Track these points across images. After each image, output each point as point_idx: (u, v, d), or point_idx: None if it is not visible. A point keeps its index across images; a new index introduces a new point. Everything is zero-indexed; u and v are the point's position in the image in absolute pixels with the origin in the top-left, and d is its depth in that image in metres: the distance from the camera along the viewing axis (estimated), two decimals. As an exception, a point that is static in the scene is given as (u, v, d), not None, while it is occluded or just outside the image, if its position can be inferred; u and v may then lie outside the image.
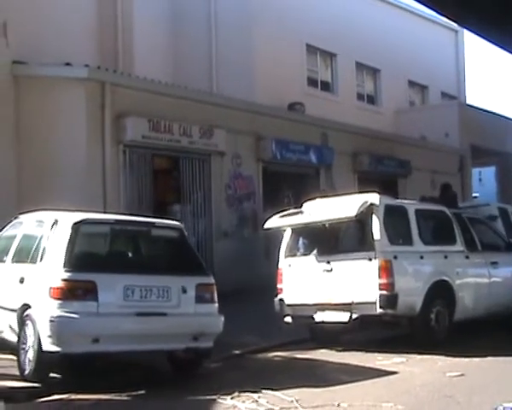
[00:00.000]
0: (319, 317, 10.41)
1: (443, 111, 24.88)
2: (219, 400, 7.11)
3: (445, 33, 28.27)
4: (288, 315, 10.84)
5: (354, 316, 9.92)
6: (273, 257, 14.20)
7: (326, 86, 23.42)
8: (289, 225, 11.08)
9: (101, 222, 8.58)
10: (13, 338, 8.45)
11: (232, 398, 7.13)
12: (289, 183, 18.69)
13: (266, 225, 11.40)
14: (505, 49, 22.72)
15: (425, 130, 23.49)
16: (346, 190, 13.92)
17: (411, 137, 22.95)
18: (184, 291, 8.19)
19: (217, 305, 8.50)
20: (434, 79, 27.14)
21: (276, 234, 11.82)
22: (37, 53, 14.41)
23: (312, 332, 11.00)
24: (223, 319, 8.44)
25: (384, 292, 9.70)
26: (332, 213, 10.44)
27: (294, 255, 11.06)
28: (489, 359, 9.11)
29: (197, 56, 20.48)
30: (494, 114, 26.72)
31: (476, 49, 64.55)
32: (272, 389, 7.38)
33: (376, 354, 9.65)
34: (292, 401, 6.93)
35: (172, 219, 10.14)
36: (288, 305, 10.79)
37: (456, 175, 24.00)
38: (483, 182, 38.05)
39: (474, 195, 27.06)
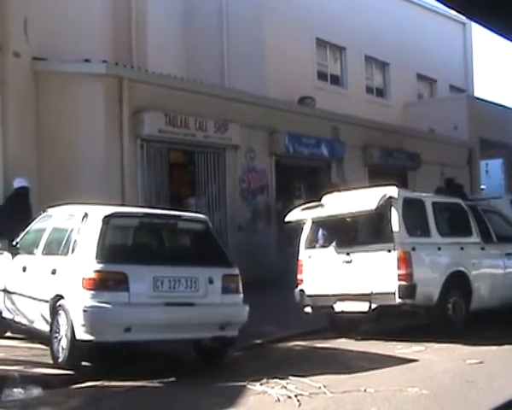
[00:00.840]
0: (339, 307, 10.67)
1: (451, 104, 25.07)
2: (249, 386, 7.36)
3: (452, 26, 28.40)
4: (308, 305, 11.09)
5: (373, 306, 10.19)
6: (288, 250, 14.54)
7: (336, 80, 23.62)
8: (311, 218, 11.30)
9: (130, 215, 8.84)
10: (44, 328, 8.70)
11: (261, 384, 7.38)
12: (301, 176, 18.97)
13: (287, 218, 11.62)
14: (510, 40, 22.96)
15: (434, 123, 23.68)
16: (356, 184, 14.17)
17: (420, 130, 23.14)
18: (211, 282, 8.45)
19: (242, 295, 8.75)
20: (443, 73, 27.31)
21: (294, 227, 12.07)
22: (54, 49, 14.62)
23: (332, 322, 11.26)
24: (248, 308, 8.69)
25: (403, 282, 9.96)
26: (352, 206, 10.69)
27: (314, 247, 11.32)
28: (506, 347, 9.33)
29: (209, 50, 20.69)
30: (502, 106, 26.90)
31: (484, 41, 64.57)
32: (299, 376, 7.62)
33: (395, 343, 9.89)
34: (320, 388, 7.17)
35: (194, 212, 10.42)
36: (309, 295, 11.05)
37: (464, 168, 24.25)
38: (490, 174, 38.24)
39: (481, 187, 27.27)
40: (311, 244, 11.34)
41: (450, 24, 28.07)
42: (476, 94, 28.94)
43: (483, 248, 11.39)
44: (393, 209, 10.31)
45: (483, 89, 51.89)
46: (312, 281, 11.08)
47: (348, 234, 10.99)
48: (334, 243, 11.00)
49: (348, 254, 10.62)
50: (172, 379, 7.97)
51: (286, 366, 8.46)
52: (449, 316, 10.47)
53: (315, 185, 18.47)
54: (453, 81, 28.39)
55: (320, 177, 19.11)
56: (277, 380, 7.49)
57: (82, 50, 14.76)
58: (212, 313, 8.45)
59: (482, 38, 65.27)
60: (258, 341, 10.39)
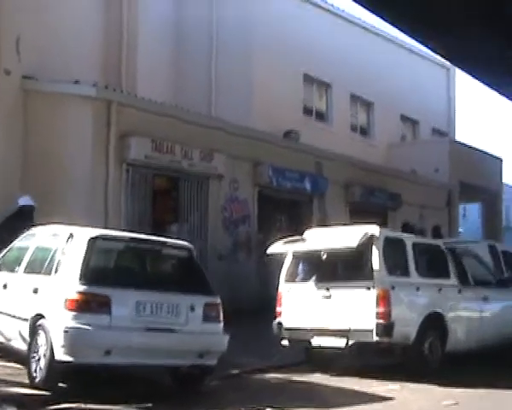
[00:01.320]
0: (316, 341, 10.68)
1: (434, 147, 25.44)
2: (226, 416, 7.37)
3: (437, 70, 28.89)
4: (285, 338, 11.10)
5: (351, 342, 10.21)
6: (268, 282, 14.58)
7: (321, 116, 23.89)
8: (292, 252, 11.38)
9: (116, 239, 8.87)
10: (22, 347, 8.65)
11: (238, 415, 7.39)
12: (283, 208, 19.08)
13: (269, 251, 11.68)
14: (494, 89, 23.43)
15: (416, 164, 23.98)
16: (337, 220, 14.33)
17: (402, 170, 23.41)
18: (192, 309, 8.47)
19: (222, 324, 8.78)
20: (426, 115, 27.72)
21: (275, 260, 12.13)
22: (44, 68, 14.71)
23: (308, 356, 11.27)
24: (227, 337, 8.72)
25: (381, 321, 10.00)
26: (333, 242, 10.77)
27: (294, 281, 11.36)
28: (481, 390, 9.43)
29: (198, 79, 20.87)
30: (482, 151, 27.34)
31: (466, 86, 65.74)
32: (276, 408, 7.64)
33: (371, 381, 9.94)
34: (296, 420, 7.20)
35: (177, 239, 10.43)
36: (286, 328, 11.05)
37: (443, 209, 24.53)
38: (467, 218, 38.69)
39: (459, 230, 27.57)
40: (291, 278, 11.38)
41: (435, 68, 28.56)
42: (458, 138, 29.39)
43: (460, 291, 11.48)
44: (374, 247, 10.40)
45: (464, 133, 52.71)
46: (291, 314, 11.10)
47: (328, 269, 11.04)
48: (314, 278, 11.05)
49: (328, 289, 10.67)
50: (149, 405, 7.95)
51: (263, 398, 8.48)
52: (425, 356, 10.51)
53: (296, 218, 18.63)
54: (436, 124, 28.81)
55: (302, 210, 19.26)
56: (254, 411, 7.51)
57: (72, 71, 14.84)
58: (191, 341, 8.46)
59: (465, 83, 66.46)
60: (235, 371, 10.38)
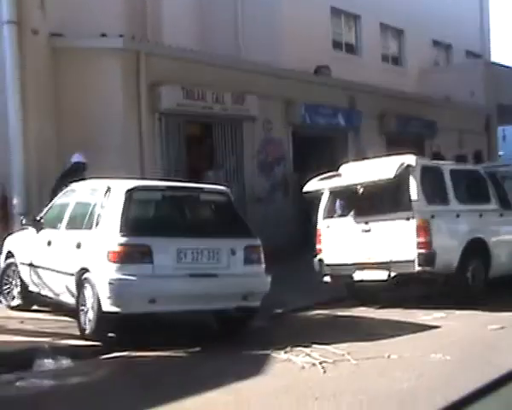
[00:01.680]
0: (358, 276, 10.74)
1: (468, 70, 24.86)
2: (273, 354, 7.49)
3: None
4: (327, 274, 11.18)
5: (392, 274, 10.25)
6: (306, 220, 14.60)
7: (351, 49, 23.51)
8: (329, 188, 11.35)
9: (152, 189, 8.95)
10: (70, 300, 8.86)
11: (286, 352, 7.50)
12: (319, 146, 18.93)
13: (306, 189, 11.66)
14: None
15: (450, 89, 23.50)
16: (374, 152, 14.16)
17: (437, 97, 23.00)
18: (233, 253, 8.55)
19: (264, 265, 8.85)
20: (458, 38, 27.06)
21: (312, 198, 12.10)
22: (70, 24, 14.63)
23: (351, 291, 11.35)
24: (270, 279, 8.79)
25: (422, 250, 9.99)
26: (370, 175, 10.73)
27: (332, 217, 11.38)
28: None
29: (223, 22, 20.59)
30: (519, 70, 26.64)
31: (500, 5, 63.73)
32: (322, 344, 7.73)
33: (416, 311, 9.99)
34: (343, 355, 7.29)
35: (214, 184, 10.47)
36: (328, 265, 11.12)
37: (482, 134, 24.12)
38: (507, 140, 37.99)
39: (499, 153, 27.13)
40: (330, 214, 11.40)
41: (466, -12, 27.77)
42: (493, 59, 28.68)
43: (501, 215, 11.40)
44: (412, 178, 10.33)
45: (500, 54, 51.36)
46: (331, 250, 11.15)
47: (366, 203, 11.03)
48: (352, 213, 11.06)
49: (367, 223, 10.67)
50: (198, 349, 8.12)
51: (309, 335, 8.57)
52: (468, 283, 10.51)
53: (332, 155, 18.48)
54: (469, 47, 28.13)
55: (337, 146, 19.11)
56: (301, 348, 7.61)
57: (97, 24, 14.74)
58: (234, 284, 8.56)
59: (498, 1, 64.41)
60: (279, 310, 10.50)
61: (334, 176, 11.47)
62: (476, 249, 10.70)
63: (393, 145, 18.72)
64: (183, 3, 19.83)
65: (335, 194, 11.48)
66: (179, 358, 7.73)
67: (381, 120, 20.38)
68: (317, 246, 11.38)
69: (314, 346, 7.68)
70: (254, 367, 7.02)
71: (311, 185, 11.58)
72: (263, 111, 16.60)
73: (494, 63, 26.81)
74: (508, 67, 26.32)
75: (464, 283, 10.48)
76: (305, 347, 7.65)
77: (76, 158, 12.37)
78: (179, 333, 9.08)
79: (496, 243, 11.05)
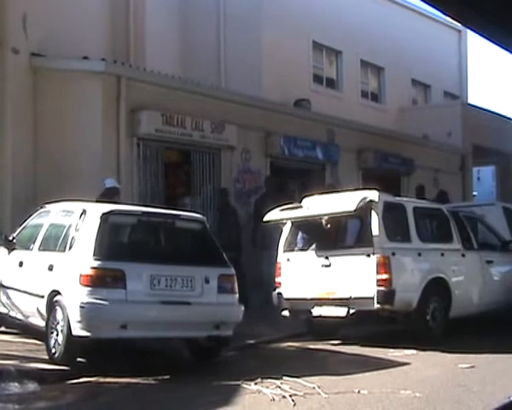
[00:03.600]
0: (317, 311, 10.46)
1: (446, 110, 25.19)
2: (244, 385, 7.43)
3: (448, 33, 28.53)
4: (285, 309, 10.90)
5: (352, 311, 9.96)
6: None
7: (331, 83, 23.70)
8: (288, 219, 11.09)
9: (128, 213, 8.90)
10: (40, 323, 8.75)
11: (256, 384, 7.45)
12: (296, 178, 19.01)
13: (266, 218, 11.34)
14: (508, 51, 23.14)
15: (428, 128, 23.76)
16: (350, 187, 14.22)
17: (415, 135, 23.24)
18: (207, 281, 8.52)
19: (237, 295, 8.82)
20: (437, 79, 27.43)
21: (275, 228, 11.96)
22: (52, 45, 14.61)
23: (310, 326, 11.09)
24: (243, 308, 8.77)
25: (381, 288, 9.78)
26: (331, 207, 10.48)
27: (293, 250, 11.12)
28: (492, 356, 9.33)
29: (206, 50, 20.72)
30: (495, 113, 27.05)
31: (478, 48, 64.95)
32: (293, 376, 7.69)
33: (385, 349, 9.89)
34: (314, 388, 7.25)
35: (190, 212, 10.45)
36: (286, 299, 10.84)
37: (457, 174, 24.37)
38: (481, 181, 38.49)
39: (473, 193, 27.42)
40: (290, 247, 11.15)
41: (446, 30, 28.21)
42: (470, 101, 29.11)
43: (463, 255, 11.29)
44: (374, 213, 10.16)
45: (476, 96, 52.19)
46: (290, 284, 10.87)
47: (328, 238, 10.79)
48: (313, 247, 10.81)
49: (327, 257, 10.43)
50: (167, 377, 8.04)
51: (280, 367, 8.54)
52: (428, 322, 10.31)
53: (309, 187, 18.54)
54: (447, 87, 28.52)
55: (314, 179, 19.17)
56: (272, 380, 7.57)
57: (80, 47, 14.77)
58: (207, 313, 8.52)
59: (477, 45, 65.63)
60: (251, 341, 10.46)
61: (295, 207, 11.24)
62: (437, 289, 10.52)
63: (370, 181, 18.79)
64: (166, 28, 19.95)
65: (297, 227, 11.23)
66: (148, 385, 7.65)
67: (358, 155, 20.50)
68: (277, 279, 11.09)
69: (285, 378, 7.63)
70: (224, 398, 6.96)
71: (271, 215, 11.28)
72: (241, 141, 16.63)
73: (471, 105, 27.20)
74: (484, 109, 26.73)
75: (424, 322, 10.28)
76: (275, 379, 7.61)
77: (109, 183, 12.51)
78: (150, 360, 9.01)
79: (457, 282, 10.92)
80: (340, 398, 6.96)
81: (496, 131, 25.41)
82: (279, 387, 7.32)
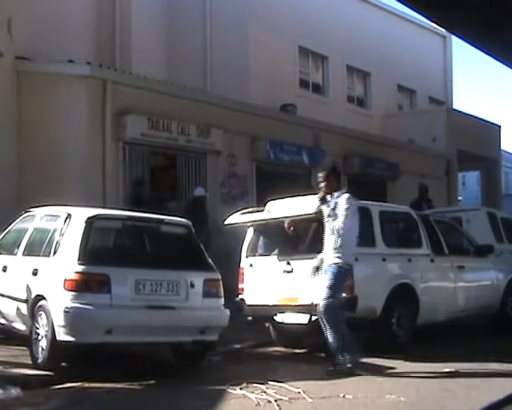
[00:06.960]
0: (280, 318, 10.23)
1: (431, 116, 25.29)
2: (229, 390, 7.41)
3: (433, 39, 28.71)
4: (248, 315, 10.58)
5: (314, 318, 9.46)
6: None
7: (317, 88, 23.76)
8: (248, 222, 10.82)
9: (113, 218, 8.87)
10: (23, 328, 8.70)
11: (241, 388, 7.42)
12: (282, 182, 19.00)
13: (227, 222, 11.04)
14: (492, 57, 23.28)
15: (413, 134, 23.89)
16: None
17: (400, 140, 23.33)
18: (192, 286, 8.50)
19: (223, 300, 8.80)
20: (422, 84, 27.58)
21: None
22: (37, 49, 14.57)
23: (273, 333, 10.83)
24: (228, 313, 8.75)
25: (343, 295, 9.21)
26: (291, 210, 10.13)
27: (255, 255, 10.87)
28: (468, 364, 9.10)
29: (192, 54, 20.72)
30: (480, 119, 27.21)
31: (463, 54, 65.29)
32: (278, 381, 7.68)
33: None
34: (299, 393, 7.24)
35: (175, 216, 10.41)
36: (249, 305, 10.52)
37: (442, 179, 24.49)
38: (466, 186, 38.67)
39: (458, 198, 27.57)
40: (253, 252, 10.87)
41: (431, 36, 28.38)
42: (455, 106, 29.27)
43: (432, 260, 10.98)
44: None
45: (461, 101, 52.48)
46: (253, 290, 10.58)
47: (290, 242, 10.51)
48: (275, 251, 10.54)
49: (289, 263, 10.12)
50: (152, 382, 8.01)
51: (265, 371, 8.52)
52: (393, 330, 10.04)
53: (295, 192, 18.53)
54: (432, 93, 28.67)
55: (300, 183, 19.16)
56: (257, 385, 7.55)
57: (65, 51, 14.70)
58: (192, 317, 8.49)
59: (461, 51, 66.05)
60: (237, 345, 10.44)
61: (256, 211, 10.95)
62: (403, 295, 10.22)
63: (356, 185, 18.85)
64: (152, 32, 19.91)
65: (259, 231, 10.95)
66: (132, 390, 7.61)
67: (344, 160, 20.53)
68: (239, 285, 10.78)
69: (270, 383, 7.62)
70: (209, 403, 6.94)
71: (232, 218, 11.01)
72: (227, 145, 16.64)
73: (456, 110, 27.35)
74: (469, 115, 26.88)
75: (389, 329, 9.99)
76: (261, 384, 7.59)
77: (198, 192, 12.92)
78: (135, 365, 8.97)
79: (425, 289, 10.59)
80: (325, 403, 6.96)
81: (480, 136, 25.57)
82: (264, 392, 7.30)
